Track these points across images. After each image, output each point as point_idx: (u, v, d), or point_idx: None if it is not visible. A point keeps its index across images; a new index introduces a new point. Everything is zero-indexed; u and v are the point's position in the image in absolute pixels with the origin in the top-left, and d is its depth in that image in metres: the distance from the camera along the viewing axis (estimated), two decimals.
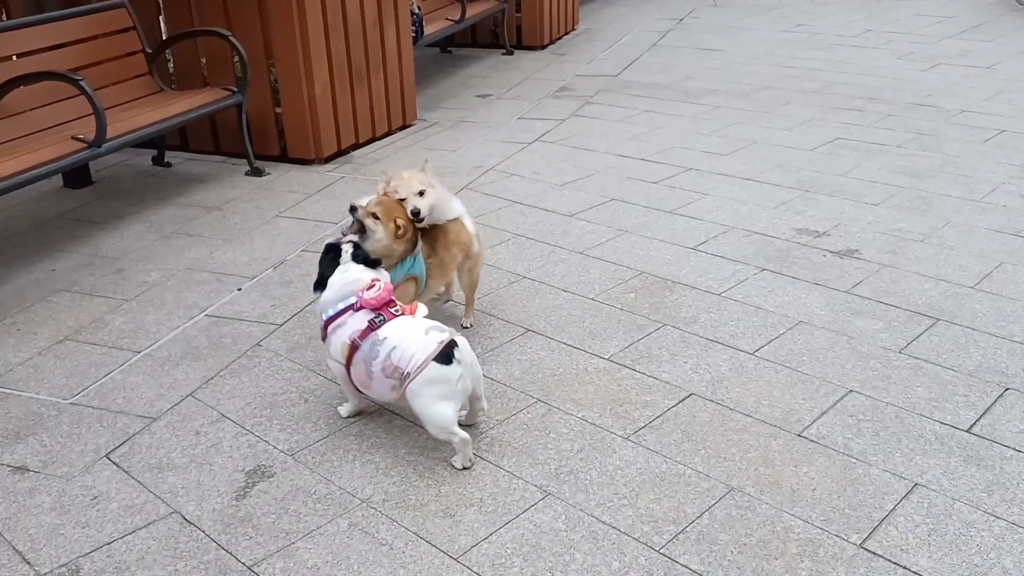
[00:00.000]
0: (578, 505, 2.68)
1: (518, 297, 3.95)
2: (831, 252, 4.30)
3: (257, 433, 3.07)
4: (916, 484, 2.73)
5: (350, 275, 2.97)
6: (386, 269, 3.20)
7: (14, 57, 4.75)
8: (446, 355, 2.73)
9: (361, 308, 2.90)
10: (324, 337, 2.98)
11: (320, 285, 3.01)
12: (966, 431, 2.97)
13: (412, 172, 3.44)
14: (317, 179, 5.54)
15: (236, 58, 5.49)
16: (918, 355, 3.42)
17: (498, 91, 7.56)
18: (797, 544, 2.51)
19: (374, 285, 2.92)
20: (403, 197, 3.34)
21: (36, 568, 2.52)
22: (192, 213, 5.05)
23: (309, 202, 5.17)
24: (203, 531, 2.63)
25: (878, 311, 3.75)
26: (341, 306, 2.93)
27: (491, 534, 2.58)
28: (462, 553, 2.52)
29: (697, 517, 2.62)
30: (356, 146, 6.09)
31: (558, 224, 4.72)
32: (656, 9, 11.05)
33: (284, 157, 5.85)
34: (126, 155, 6.02)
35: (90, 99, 4.42)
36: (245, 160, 5.68)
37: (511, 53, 8.96)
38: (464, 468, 2.84)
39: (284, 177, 5.60)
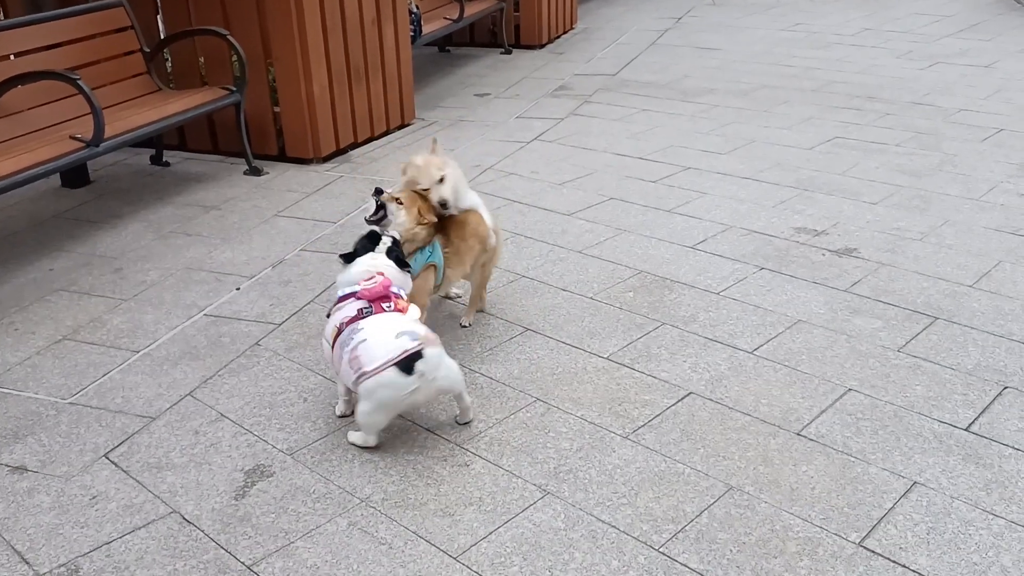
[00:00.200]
0: (577, 504, 2.68)
1: (517, 296, 3.95)
2: (830, 251, 4.30)
3: (256, 432, 3.07)
4: (915, 483, 2.73)
5: (372, 264, 3.02)
6: (407, 256, 3.22)
7: (12, 56, 4.75)
8: (407, 364, 2.73)
9: (360, 297, 2.94)
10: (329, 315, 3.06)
11: (347, 259, 3.07)
12: (965, 429, 2.98)
13: (425, 156, 3.40)
14: (316, 178, 5.54)
15: (234, 57, 5.49)
16: (917, 354, 3.42)
17: (496, 90, 7.55)
18: (796, 543, 2.51)
19: (374, 277, 2.95)
20: (426, 188, 3.33)
21: (35, 568, 2.51)
22: (190, 212, 5.05)
23: (307, 201, 5.17)
24: (202, 530, 2.63)
25: (877, 310, 3.75)
26: (348, 291, 2.98)
27: (490, 533, 2.58)
28: (461, 552, 2.52)
29: (696, 516, 2.62)
30: (354, 145, 6.08)
31: (557, 223, 4.72)
32: (654, 8, 11.04)
33: (282, 156, 5.85)
34: (124, 154, 6.02)
35: (88, 98, 4.41)
36: (243, 159, 5.68)
37: (509, 52, 8.95)
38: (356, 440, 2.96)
39: (282, 176, 5.60)
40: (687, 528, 2.57)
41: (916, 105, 6.65)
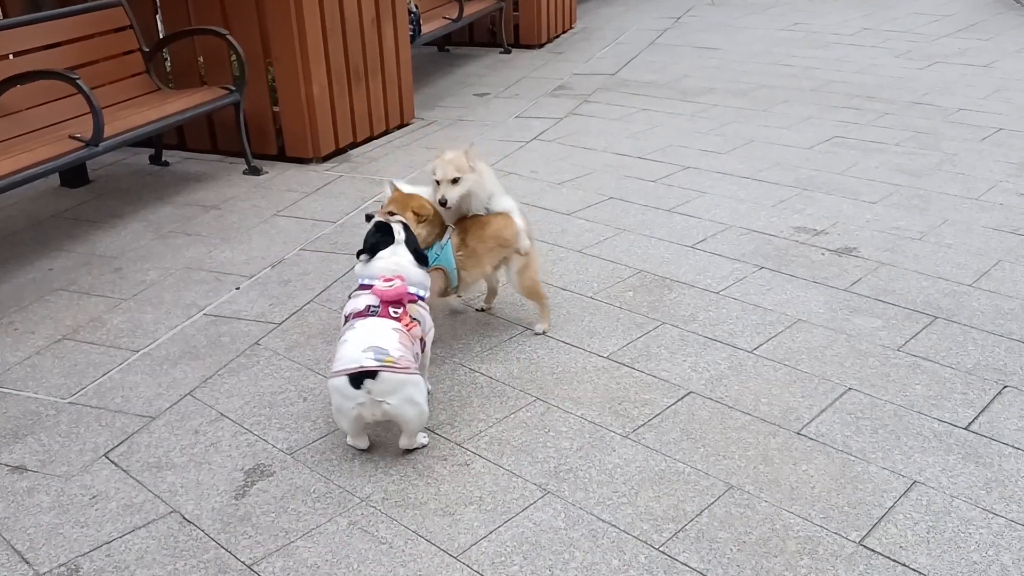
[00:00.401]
0: (577, 503, 2.68)
1: (517, 296, 3.94)
2: (829, 250, 4.30)
3: (256, 432, 3.07)
4: (915, 482, 2.73)
5: (397, 261, 3.01)
6: None
7: (11, 56, 4.74)
8: (356, 379, 2.70)
9: (375, 293, 2.94)
10: None
11: (368, 252, 3.04)
12: (964, 428, 2.98)
13: (455, 154, 3.38)
14: (315, 178, 5.53)
15: (234, 57, 5.49)
16: (916, 353, 3.42)
17: (496, 90, 7.55)
18: (796, 542, 2.51)
19: (393, 280, 2.94)
20: (437, 179, 3.33)
21: (35, 567, 2.51)
22: (190, 212, 5.05)
23: (307, 201, 5.16)
24: (202, 530, 2.63)
25: (876, 309, 3.75)
26: (368, 282, 2.98)
27: (490, 532, 2.58)
28: (462, 551, 2.52)
29: (696, 515, 2.62)
30: (354, 145, 6.08)
31: (556, 223, 4.72)
32: (654, 8, 11.05)
33: (282, 156, 5.85)
34: (123, 154, 6.01)
35: (87, 98, 4.41)
36: (243, 159, 5.68)
37: (509, 52, 8.95)
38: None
39: (282, 176, 5.59)
40: (687, 527, 2.57)
41: (915, 104, 6.65)
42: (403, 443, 2.92)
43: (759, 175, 5.33)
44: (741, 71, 7.85)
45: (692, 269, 4.15)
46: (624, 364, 3.40)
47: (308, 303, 3.96)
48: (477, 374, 3.36)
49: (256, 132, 5.78)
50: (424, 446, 2.95)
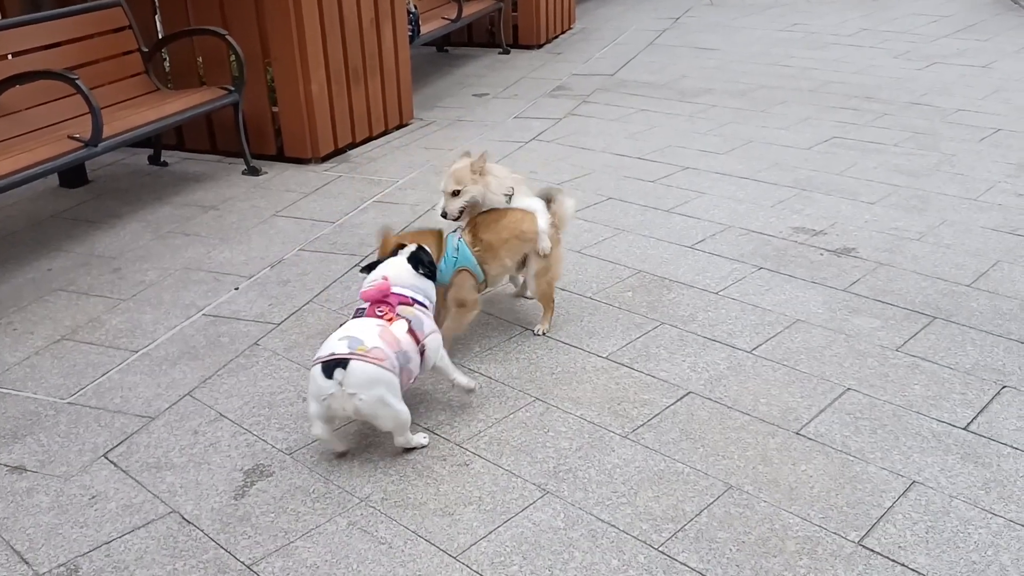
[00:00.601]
0: (577, 503, 2.69)
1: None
2: (828, 251, 4.31)
3: (255, 432, 3.07)
4: (914, 482, 2.74)
5: (388, 268, 3.02)
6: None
7: (10, 56, 4.74)
8: (327, 367, 2.69)
9: (361, 296, 2.96)
10: None
11: (367, 269, 3.09)
12: (963, 429, 2.98)
13: (461, 165, 3.40)
14: (314, 178, 5.53)
15: (233, 57, 5.49)
16: (915, 353, 3.43)
17: (494, 90, 7.56)
18: (795, 542, 2.51)
19: (376, 280, 2.96)
20: (441, 189, 3.39)
21: (35, 568, 2.51)
22: (189, 212, 5.05)
23: (306, 201, 5.16)
24: (202, 530, 2.63)
25: (875, 309, 3.76)
26: (366, 287, 2.99)
27: (490, 532, 2.58)
28: (461, 552, 2.52)
29: (696, 515, 2.62)
30: (353, 145, 6.08)
31: None
32: (652, 8, 11.05)
33: (281, 156, 5.85)
34: (122, 154, 6.01)
35: (86, 98, 4.41)
36: (242, 159, 5.68)
37: (507, 52, 8.96)
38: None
39: (281, 176, 5.59)
40: (686, 527, 2.58)
41: (914, 105, 6.66)
42: (397, 442, 2.91)
43: (758, 175, 5.33)
44: (740, 72, 7.86)
45: (691, 269, 4.15)
46: (623, 364, 3.41)
47: (307, 303, 3.96)
48: (476, 374, 3.36)
49: (255, 132, 5.78)
50: (424, 446, 2.95)
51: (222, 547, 2.56)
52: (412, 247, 3.08)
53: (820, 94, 7.05)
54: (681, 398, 3.19)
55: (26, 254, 4.59)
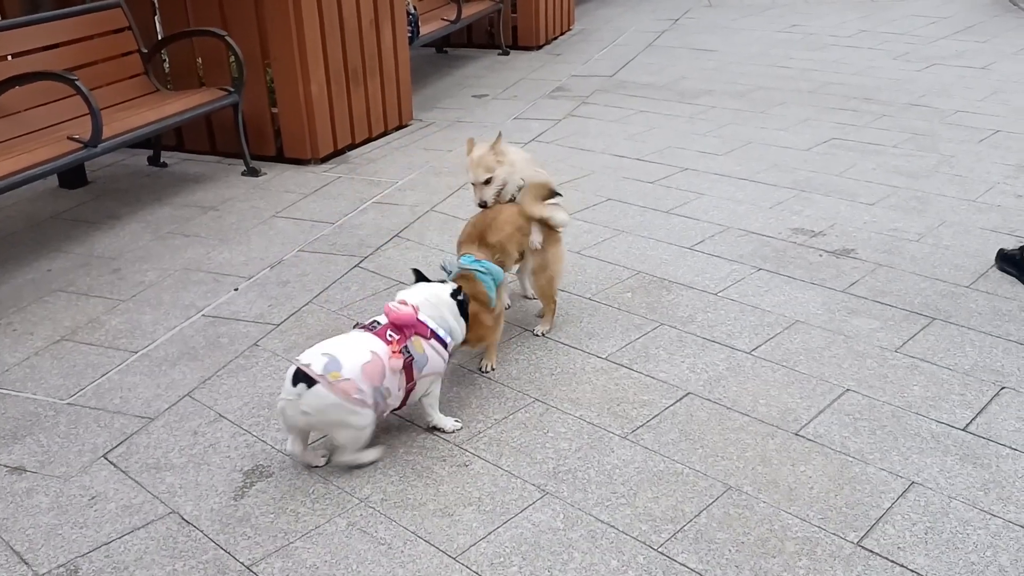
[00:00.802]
0: (576, 504, 2.69)
1: (515, 297, 3.95)
2: (827, 252, 4.31)
3: (255, 433, 3.07)
4: (913, 483, 2.74)
5: (436, 293, 2.98)
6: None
7: (9, 57, 4.74)
8: (295, 377, 2.65)
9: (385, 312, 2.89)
10: None
11: (418, 277, 3.10)
12: (962, 430, 2.98)
13: (482, 151, 3.38)
14: (313, 179, 5.54)
15: (232, 58, 5.49)
16: (914, 354, 3.43)
17: (494, 91, 7.56)
18: (795, 542, 2.51)
19: (408, 305, 2.87)
20: (471, 182, 3.38)
21: (34, 568, 2.51)
22: (188, 213, 5.05)
23: (305, 202, 5.17)
24: (201, 531, 2.63)
25: (874, 310, 3.76)
26: (394, 307, 2.91)
27: (489, 533, 2.58)
28: (461, 552, 2.52)
29: (695, 516, 2.62)
30: (352, 146, 6.09)
31: None
32: (651, 10, 11.06)
33: (280, 157, 5.85)
34: (122, 155, 6.01)
35: (86, 99, 4.41)
36: (241, 160, 5.68)
37: (507, 53, 8.96)
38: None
39: (280, 177, 5.60)
40: (686, 528, 2.58)
41: (913, 106, 6.67)
42: (341, 459, 2.83)
43: (757, 176, 5.33)
44: (739, 73, 7.86)
45: (690, 270, 4.15)
46: (623, 365, 3.41)
47: (307, 304, 3.96)
48: (475, 374, 3.37)
49: (254, 133, 5.78)
50: (374, 461, 2.86)
51: (222, 548, 2.56)
52: (457, 292, 3.00)
53: (819, 95, 7.06)
54: (680, 399, 3.19)
55: (26, 255, 4.59)
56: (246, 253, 4.51)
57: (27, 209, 5.22)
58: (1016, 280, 3.88)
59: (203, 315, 3.90)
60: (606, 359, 3.45)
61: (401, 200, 5.14)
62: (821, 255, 4.28)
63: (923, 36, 9.15)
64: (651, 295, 3.94)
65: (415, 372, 2.84)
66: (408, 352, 2.80)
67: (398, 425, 3.07)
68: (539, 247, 3.44)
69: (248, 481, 2.83)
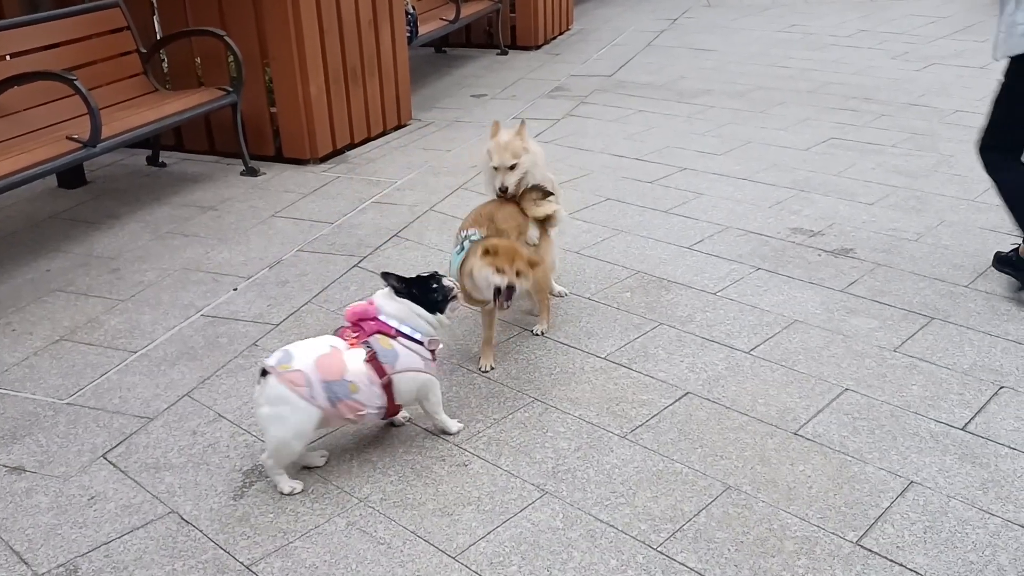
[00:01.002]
0: (576, 504, 2.69)
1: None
2: (826, 251, 4.31)
3: (254, 433, 3.07)
4: (912, 482, 2.74)
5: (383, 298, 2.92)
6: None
7: (8, 57, 4.74)
8: (263, 371, 2.67)
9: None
10: None
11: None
12: (961, 429, 2.99)
13: (509, 136, 3.36)
14: (312, 179, 5.54)
15: (231, 58, 5.49)
16: (913, 354, 3.43)
17: (493, 91, 7.56)
18: (794, 542, 2.52)
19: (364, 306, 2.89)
20: (495, 166, 3.31)
21: (34, 568, 2.51)
22: (187, 213, 5.05)
23: (304, 202, 5.17)
24: (201, 531, 2.63)
25: (873, 310, 3.76)
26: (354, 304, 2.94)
27: (489, 533, 2.58)
28: (460, 552, 2.52)
29: (694, 515, 2.63)
30: (351, 146, 6.08)
31: None
32: (650, 9, 11.06)
33: (279, 157, 5.85)
34: (121, 155, 6.01)
35: (85, 99, 4.41)
36: (240, 160, 5.68)
37: (505, 53, 8.96)
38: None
39: (279, 177, 5.60)
40: (685, 527, 2.58)
41: (912, 106, 6.67)
42: (264, 463, 2.77)
43: (756, 176, 5.34)
44: (738, 73, 7.86)
45: (689, 270, 4.16)
46: (622, 365, 3.41)
47: (306, 304, 3.96)
48: (475, 374, 3.37)
49: (253, 133, 5.78)
50: (291, 493, 2.77)
51: (221, 547, 2.56)
52: (428, 273, 2.92)
53: (818, 95, 7.06)
54: (679, 398, 3.19)
55: (25, 255, 4.59)
56: (245, 253, 4.51)
57: (26, 209, 5.22)
58: (1016, 280, 3.88)
59: (202, 315, 3.90)
60: (605, 359, 3.46)
61: (400, 200, 5.14)
62: (820, 255, 4.28)
63: (922, 36, 9.15)
64: (650, 295, 3.94)
65: (387, 367, 2.76)
66: (369, 347, 2.77)
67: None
68: (536, 243, 3.48)
69: (247, 481, 2.83)
